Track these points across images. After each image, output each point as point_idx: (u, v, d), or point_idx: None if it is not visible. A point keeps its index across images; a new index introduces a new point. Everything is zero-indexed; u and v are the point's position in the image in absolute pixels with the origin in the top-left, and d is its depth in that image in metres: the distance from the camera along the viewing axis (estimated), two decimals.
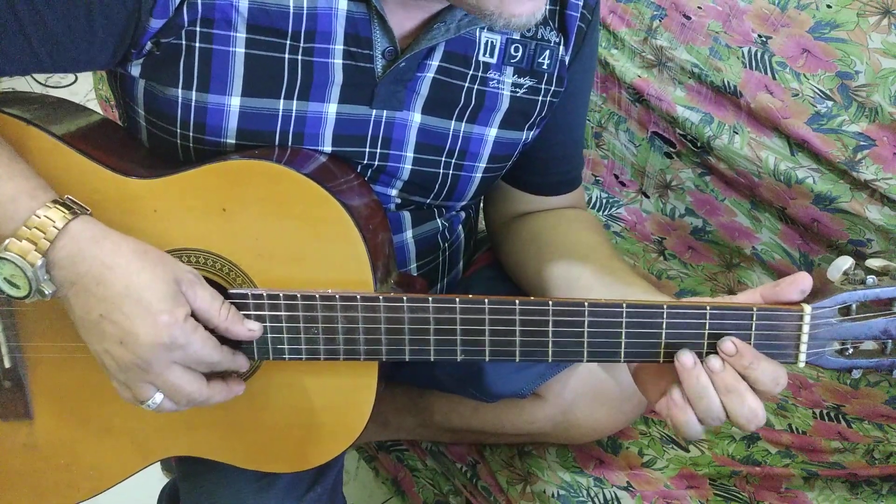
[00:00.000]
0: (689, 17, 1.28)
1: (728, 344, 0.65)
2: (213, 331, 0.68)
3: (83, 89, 2.38)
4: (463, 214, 0.96)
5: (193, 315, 0.66)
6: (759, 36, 1.22)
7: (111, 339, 0.64)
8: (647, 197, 1.44)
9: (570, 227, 0.92)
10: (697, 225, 1.40)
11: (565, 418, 1.02)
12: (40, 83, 2.51)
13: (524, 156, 0.90)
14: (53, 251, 0.63)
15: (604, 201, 1.49)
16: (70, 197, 0.66)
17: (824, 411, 1.20)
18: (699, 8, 1.26)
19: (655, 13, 1.31)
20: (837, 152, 1.18)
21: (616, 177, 1.47)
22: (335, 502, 0.88)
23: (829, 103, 1.17)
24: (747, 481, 1.08)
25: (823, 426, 1.18)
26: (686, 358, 0.65)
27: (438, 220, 0.91)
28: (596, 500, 1.06)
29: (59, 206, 0.64)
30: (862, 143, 1.16)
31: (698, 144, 1.31)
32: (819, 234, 1.26)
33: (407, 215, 0.87)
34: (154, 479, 1.23)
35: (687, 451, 1.13)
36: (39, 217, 0.63)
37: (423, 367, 1.03)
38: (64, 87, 2.48)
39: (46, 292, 0.64)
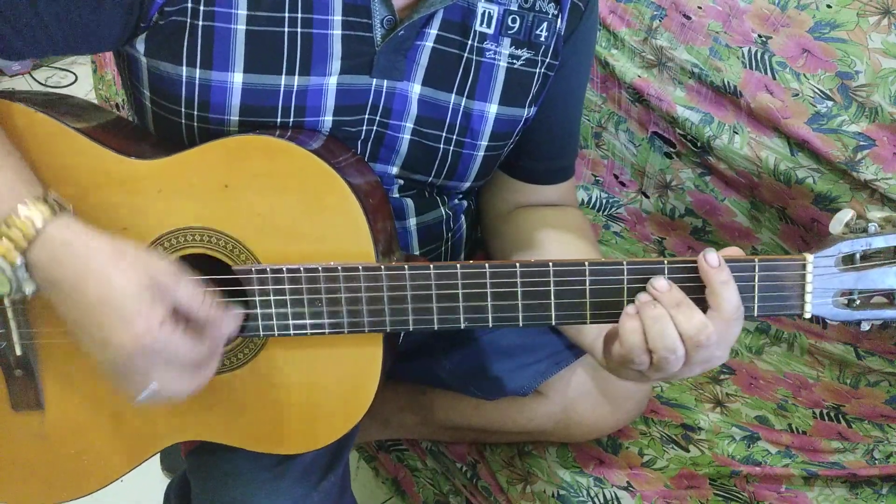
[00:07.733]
0: (689, 17, 1.28)
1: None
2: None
3: (83, 89, 2.39)
4: (466, 203, 0.96)
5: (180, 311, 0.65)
6: (759, 36, 1.22)
7: (93, 344, 0.64)
8: (647, 197, 1.44)
9: (560, 218, 0.93)
10: (697, 225, 1.40)
11: (566, 415, 1.02)
12: (40, 83, 2.52)
13: (518, 140, 0.90)
14: (31, 253, 0.63)
15: (604, 201, 1.49)
16: (54, 195, 0.65)
17: (824, 411, 1.20)
18: (699, 8, 1.27)
19: (655, 13, 1.31)
20: (837, 152, 1.18)
21: (616, 177, 1.47)
22: (345, 495, 0.89)
23: (829, 103, 1.18)
24: (747, 481, 1.08)
25: (823, 426, 1.18)
26: (660, 283, 0.66)
27: (442, 208, 0.91)
28: (596, 500, 1.06)
29: (40, 205, 0.63)
30: (862, 143, 1.16)
31: (698, 144, 1.31)
32: (819, 234, 1.26)
33: (410, 203, 0.87)
34: (155, 480, 1.23)
35: (687, 451, 1.13)
36: (20, 217, 0.62)
37: (425, 365, 1.04)
38: (64, 87, 2.48)
39: (27, 291, 0.64)
